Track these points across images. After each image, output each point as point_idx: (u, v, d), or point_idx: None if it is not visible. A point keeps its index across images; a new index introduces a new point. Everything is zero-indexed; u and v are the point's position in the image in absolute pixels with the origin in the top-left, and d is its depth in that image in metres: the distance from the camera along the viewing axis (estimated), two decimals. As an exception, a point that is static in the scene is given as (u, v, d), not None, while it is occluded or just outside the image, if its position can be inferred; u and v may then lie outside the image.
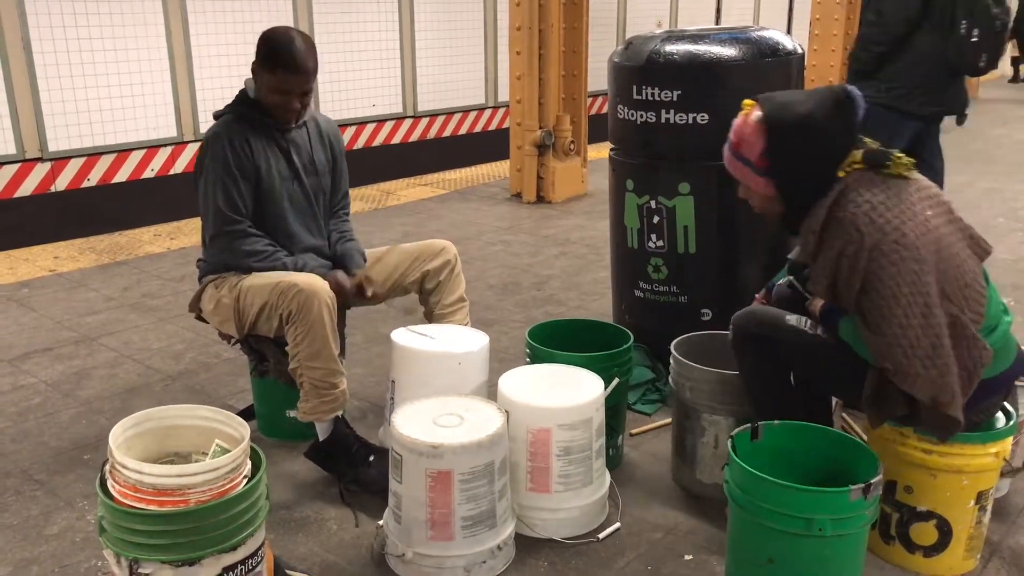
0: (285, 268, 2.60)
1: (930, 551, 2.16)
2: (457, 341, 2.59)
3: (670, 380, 2.60)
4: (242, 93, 2.68)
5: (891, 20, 3.95)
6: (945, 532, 2.14)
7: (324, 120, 2.85)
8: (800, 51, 3.05)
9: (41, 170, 5.82)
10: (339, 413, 2.57)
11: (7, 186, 5.70)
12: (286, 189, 2.68)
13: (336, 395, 2.53)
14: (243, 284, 2.60)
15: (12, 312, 4.20)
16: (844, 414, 2.81)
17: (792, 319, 2.23)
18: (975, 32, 3.86)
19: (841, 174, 2.02)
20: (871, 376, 2.03)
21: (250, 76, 2.64)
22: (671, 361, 2.57)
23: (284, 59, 2.53)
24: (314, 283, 2.47)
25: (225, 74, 6.45)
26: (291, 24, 6.85)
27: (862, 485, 1.85)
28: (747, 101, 2.11)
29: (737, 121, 2.11)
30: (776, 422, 2.13)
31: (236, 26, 6.51)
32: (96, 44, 5.92)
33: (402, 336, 2.59)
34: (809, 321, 2.22)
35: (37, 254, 5.21)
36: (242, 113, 2.64)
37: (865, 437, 2.36)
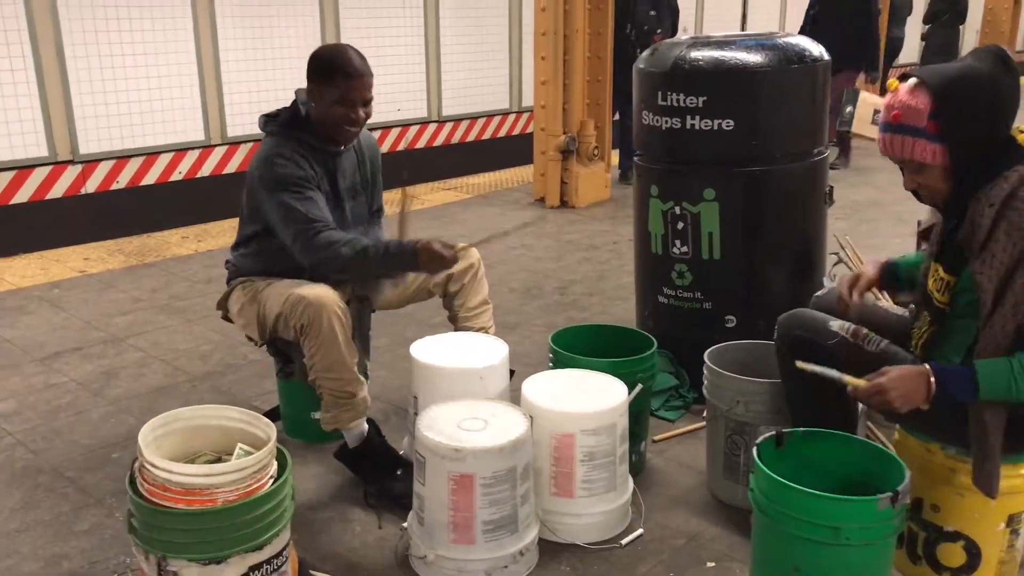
0: (365, 251, 2.46)
1: (958, 573, 2.09)
2: (477, 354, 2.57)
3: (705, 393, 2.57)
4: (291, 111, 2.60)
5: None
6: (974, 555, 2.06)
7: (365, 138, 2.80)
8: (826, 58, 3.04)
9: (72, 172, 5.90)
10: (361, 420, 2.58)
11: (39, 188, 5.79)
12: (329, 212, 2.60)
13: (355, 403, 2.54)
14: (263, 292, 2.62)
15: (44, 312, 4.27)
16: (869, 423, 2.78)
17: (836, 325, 2.19)
18: None
19: None
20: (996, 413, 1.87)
21: (301, 88, 2.59)
22: (705, 372, 2.55)
23: (341, 65, 2.48)
24: (323, 296, 2.46)
25: (252, 78, 6.49)
26: (318, 29, 6.91)
27: (890, 494, 1.82)
28: (891, 81, 1.96)
29: (888, 99, 1.94)
30: (800, 430, 2.12)
31: (264, 31, 6.55)
32: (127, 49, 6.00)
33: (423, 352, 2.57)
34: (852, 327, 2.18)
35: (68, 255, 5.29)
36: (291, 134, 2.56)
37: (890, 446, 2.33)
